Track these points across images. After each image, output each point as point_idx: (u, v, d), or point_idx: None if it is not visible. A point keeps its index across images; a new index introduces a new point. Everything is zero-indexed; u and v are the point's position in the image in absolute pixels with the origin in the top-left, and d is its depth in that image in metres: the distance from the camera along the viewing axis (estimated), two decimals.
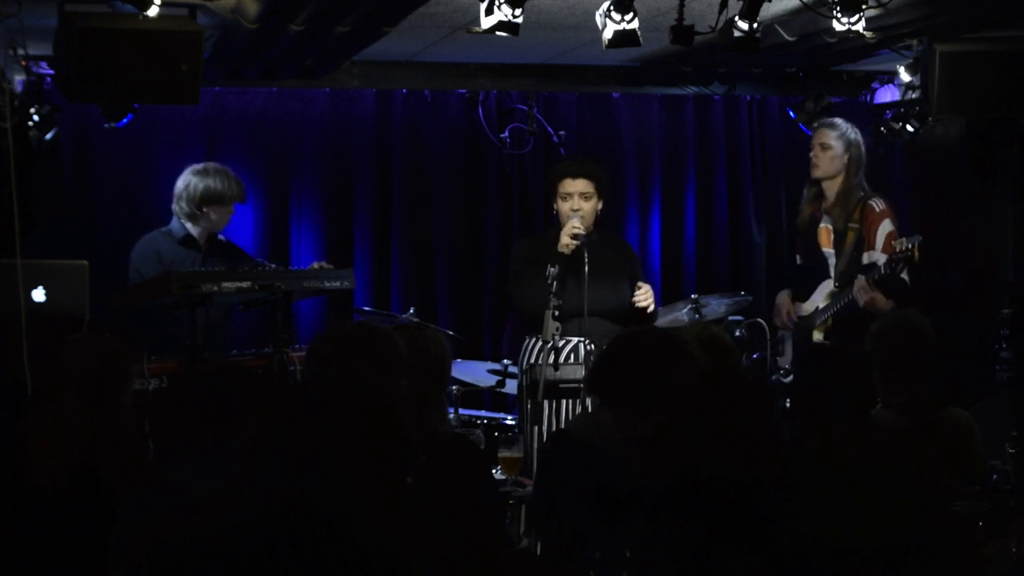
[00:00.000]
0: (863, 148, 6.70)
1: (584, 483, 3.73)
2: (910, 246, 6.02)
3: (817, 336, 6.59)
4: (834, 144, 6.63)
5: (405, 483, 2.54)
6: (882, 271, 6.19)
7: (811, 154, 6.72)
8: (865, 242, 6.50)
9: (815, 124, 6.92)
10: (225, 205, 6.56)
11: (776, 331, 6.90)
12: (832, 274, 6.59)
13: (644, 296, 6.06)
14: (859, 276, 6.29)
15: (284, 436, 2.47)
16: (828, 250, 6.63)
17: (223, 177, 6.54)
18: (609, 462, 3.73)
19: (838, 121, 6.76)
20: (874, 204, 6.54)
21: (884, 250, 6.37)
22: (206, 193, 6.49)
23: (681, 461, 3.09)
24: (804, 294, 6.73)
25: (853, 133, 6.69)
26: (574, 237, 5.89)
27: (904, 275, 6.24)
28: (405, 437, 2.54)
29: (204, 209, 6.51)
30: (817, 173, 6.71)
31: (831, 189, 6.67)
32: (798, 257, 6.89)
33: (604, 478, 3.61)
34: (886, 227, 6.46)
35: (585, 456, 3.86)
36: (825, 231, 6.67)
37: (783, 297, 6.84)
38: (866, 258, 6.47)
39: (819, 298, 6.62)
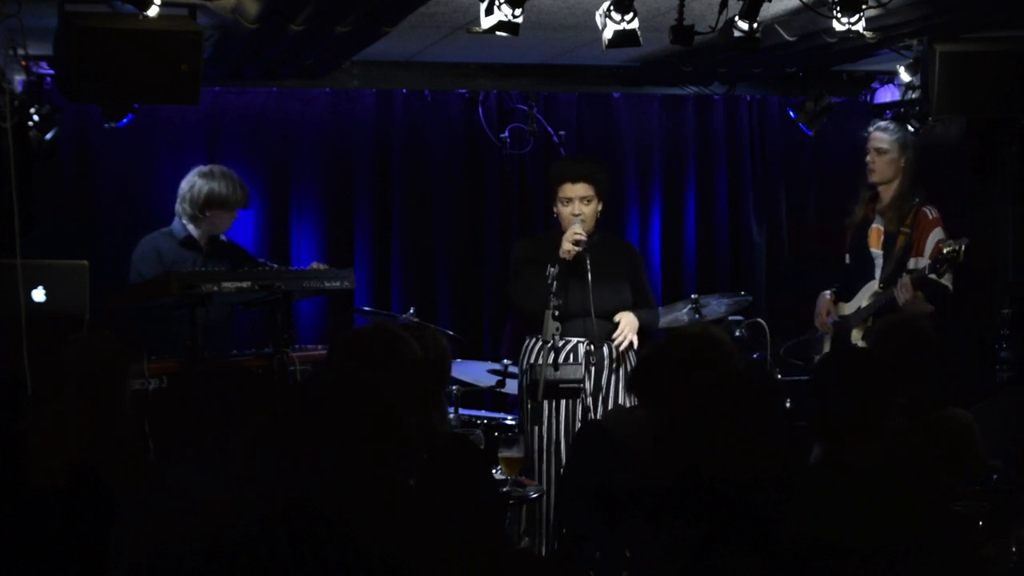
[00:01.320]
0: (916, 149, 6.70)
1: (608, 475, 3.73)
2: (957, 248, 6.04)
3: (856, 335, 6.61)
4: (889, 148, 6.63)
5: (405, 484, 2.53)
6: (926, 271, 6.22)
7: (867, 159, 6.68)
8: (914, 248, 6.51)
9: (869, 128, 6.82)
10: (228, 210, 6.54)
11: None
12: (877, 275, 6.60)
13: (620, 338, 5.99)
14: (904, 274, 6.32)
15: (284, 436, 2.46)
16: (876, 251, 6.65)
17: (228, 181, 6.52)
18: (630, 457, 3.73)
19: (891, 125, 6.74)
20: (927, 212, 6.56)
21: (931, 257, 6.37)
22: (210, 196, 6.47)
23: (681, 461, 3.09)
24: (849, 295, 6.74)
25: (907, 135, 6.69)
26: (576, 243, 5.88)
27: (948, 281, 6.26)
28: (405, 438, 2.53)
29: (207, 212, 6.49)
30: (874, 178, 6.69)
31: (887, 192, 6.66)
32: (847, 256, 6.88)
33: (625, 472, 3.60)
34: (936, 235, 6.47)
35: (611, 449, 3.86)
36: (876, 232, 6.68)
37: (825, 298, 6.84)
38: (912, 263, 6.47)
39: (862, 298, 6.63)
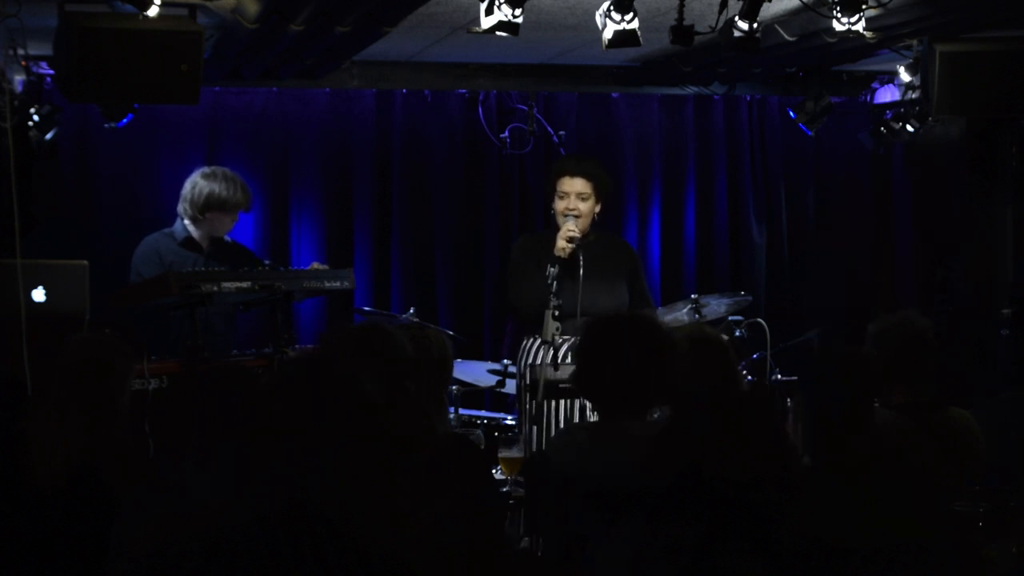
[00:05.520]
0: None
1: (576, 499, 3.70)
2: None
3: None
4: None
5: (406, 484, 2.53)
6: None
7: None
8: None
9: None
10: (227, 212, 6.50)
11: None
12: None
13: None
14: None
15: (283, 436, 2.46)
16: None
17: (230, 184, 6.49)
18: (600, 473, 3.69)
19: None
20: None
21: None
22: (209, 198, 6.44)
23: (681, 461, 3.09)
24: None
25: None
26: (569, 241, 5.87)
27: None
28: (401, 437, 2.53)
29: (206, 214, 6.47)
30: None
31: None
32: None
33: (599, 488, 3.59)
34: None
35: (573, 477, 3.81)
36: None
37: None
38: None
39: None
